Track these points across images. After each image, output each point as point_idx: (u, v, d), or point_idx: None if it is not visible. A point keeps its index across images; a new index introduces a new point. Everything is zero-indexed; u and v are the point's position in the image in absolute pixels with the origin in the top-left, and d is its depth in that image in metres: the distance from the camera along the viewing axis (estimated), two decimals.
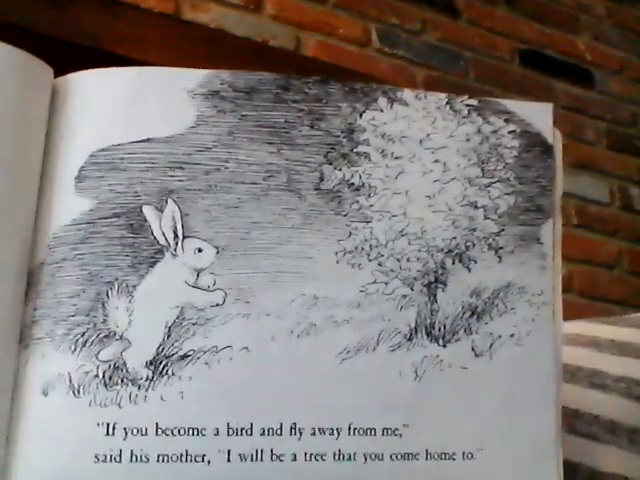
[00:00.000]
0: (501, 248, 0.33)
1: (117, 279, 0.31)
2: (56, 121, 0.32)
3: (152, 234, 0.31)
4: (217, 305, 0.31)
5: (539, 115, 0.35)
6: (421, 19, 1.62)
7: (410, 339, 0.32)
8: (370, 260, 0.32)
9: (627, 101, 1.81)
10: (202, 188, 0.32)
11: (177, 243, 0.31)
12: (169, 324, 0.31)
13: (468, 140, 0.34)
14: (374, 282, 0.32)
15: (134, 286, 0.31)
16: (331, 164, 0.33)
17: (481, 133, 0.34)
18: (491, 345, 0.32)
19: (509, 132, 0.34)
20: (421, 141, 0.34)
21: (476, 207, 0.33)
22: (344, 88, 0.33)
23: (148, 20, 1.26)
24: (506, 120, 0.35)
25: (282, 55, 1.39)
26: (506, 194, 0.34)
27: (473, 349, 0.32)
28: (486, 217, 0.33)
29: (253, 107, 0.33)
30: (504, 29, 1.72)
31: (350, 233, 0.32)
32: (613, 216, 1.71)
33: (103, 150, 0.32)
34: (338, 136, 0.33)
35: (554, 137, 0.35)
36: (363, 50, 1.54)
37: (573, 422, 0.41)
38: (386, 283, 0.32)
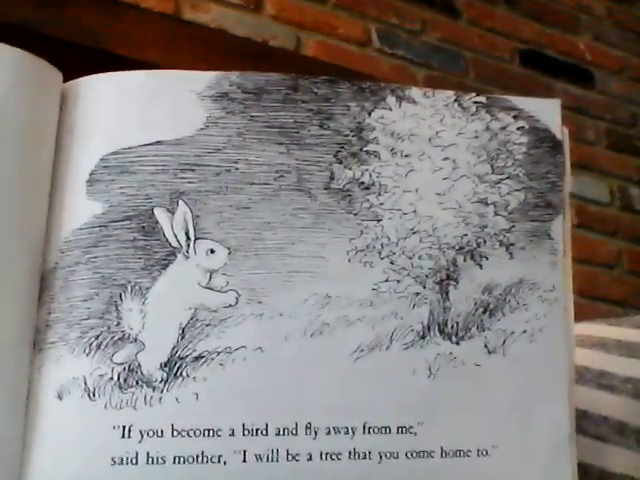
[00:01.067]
0: (512, 244, 0.33)
1: (130, 282, 0.31)
2: (66, 125, 0.32)
3: (164, 236, 0.31)
4: (230, 306, 0.31)
5: (547, 111, 0.35)
6: (421, 19, 1.62)
7: (423, 337, 0.32)
8: (382, 258, 0.32)
9: (627, 101, 1.81)
10: (213, 189, 0.32)
11: (189, 245, 0.31)
12: (183, 325, 0.31)
13: (477, 137, 0.34)
14: (386, 280, 0.32)
15: (147, 288, 0.31)
16: (341, 163, 0.33)
17: (490, 130, 0.34)
18: (504, 342, 0.32)
19: (517, 128, 0.34)
20: (430, 139, 0.34)
21: (486, 204, 0.33)
22: (352, 87, 0.33)
23: (148, 20, 1.26)
24: (514, 117, 0.35)
25: (282, 55, 1.39)
26: (516, 190, 0.34)
27: (486, 346, 0.32)
28: (496, 214, 0.33)
29: (262, 108, 0.33)
30: (504, 29, 1.72)
31: (361, 232, 0.32)
32: (613, 216, 1.71)
33: (114, 153, 0.32)
34: (347, 135, 0.33)
35: (562, 133, 0.35)
36: (363, 50, 1.54)
37: (582, 423, 0.41)
38: (398, 281, 0.32)
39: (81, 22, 1.19)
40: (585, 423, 0.41)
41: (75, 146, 0.32)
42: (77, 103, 0.33)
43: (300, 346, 0.31)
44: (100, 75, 0.33)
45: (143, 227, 0.31)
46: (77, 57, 1.21)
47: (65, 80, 0.34)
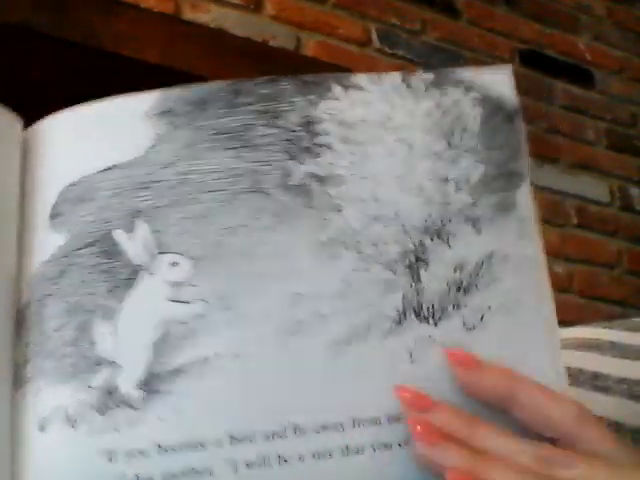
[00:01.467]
0: (478, 219, 0.32)
1: (98, 306, 0.31)
2: (29, 168, 0.33)
3: (126, 257, 0.31)
4: (200, 316, 0.31)
5: (499, 80, 0.34)
6: (421, 19, 1.62)
7: (400, 323, 0.31)
8: (347, 249, 0.32)
9: (627, 101, 1.81)
10: (169, 203, 0.32)
11: (152, 261, 0.31)
12: (155, 342, 0.30)
13: (429, 115, 0.33)
14: (355, 270, 0.31)
15: (116, 310, 0.31)
16: (294, 159, 0.32)
17: (442, 106, 0.33)
18: (482, 318, 0.32)
19: (470, 101, 0.33)
20: (382, 123, 0.33)
21: (447, 181, 0.33)
22: (296, 82, 0.33)
23: (148, 20, 1.26)
24: (466, 88, 0.34)
25: (282, 55, 1.39)
26: (476, 163, 0.33)
27: (464, 324, 0.31)
28: (458, 189, 0.33)
29: (207, 117, 0.33)
30: (504, 29, 1.72)
31: (323, 225, 0.32)
32: (613, 216, 1.71)
33: (72, 185, 0.32)
34: (296, 131, 0.32)
35: (517, 100, 0.34)
36: (363, 50, 1.54)
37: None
38: (367, 270, 0.31)
39: (81, 22, 1.19)
40: None
41: (38, 186, 0.33)
42: (37, 146, 0.33)
43: (276, 347, 0.30)
44: (55, 116, 0.34)
45: (105, 251, 0.31)
46: (77, 57, 1.21)
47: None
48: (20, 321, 0.31)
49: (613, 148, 1.75)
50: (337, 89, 0.33)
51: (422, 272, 0.32)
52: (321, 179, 0.32)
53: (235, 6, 1.44)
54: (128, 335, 0.30)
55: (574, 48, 1.79)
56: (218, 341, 0.30)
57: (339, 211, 0.32)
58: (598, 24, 1.84)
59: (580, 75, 1.77)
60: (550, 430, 0.30)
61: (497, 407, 0.30)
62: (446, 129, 0.33)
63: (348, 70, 1.37)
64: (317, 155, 0.32)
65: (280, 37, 1.46)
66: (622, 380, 0.42)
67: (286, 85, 0.33)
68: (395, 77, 0.34)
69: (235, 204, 0.32)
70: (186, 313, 0.31)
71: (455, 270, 0.32)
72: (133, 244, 0.31)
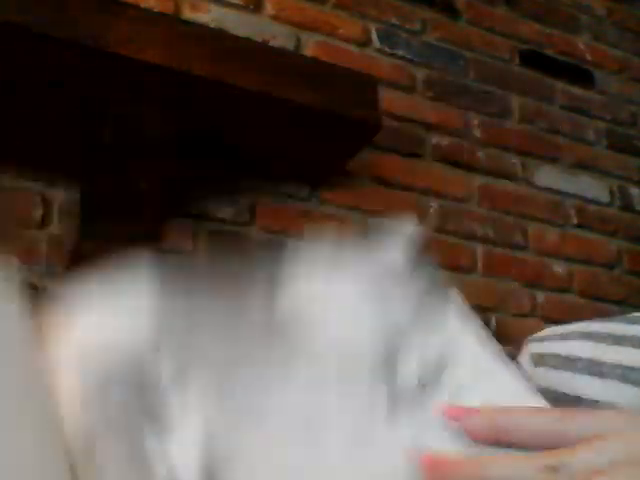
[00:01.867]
0: (415, 344, 0.39)
1: (145, 436, 0.35)
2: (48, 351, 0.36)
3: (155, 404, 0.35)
4: (230, 439, 0.35)
5: (397, 244, 0.40)
6: (421, 19, 1.63)
7: (394, 406, 0.37)
8: (335, 373, 0.38)
9: (627, 101, 1.81)
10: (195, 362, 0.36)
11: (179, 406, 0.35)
12: (200, 465, 0.34)
13: (360, 275, 0.40)
14: (346, 384, 0.37)
15: (164, 436, 0.35)
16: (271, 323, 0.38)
17: (370, 269, 0.40)
18: (454, 394, 0.37)
19: (385, 264, 0.40)
20: (329, 288, 0.39)
21: (392, 321, 0.39)
22: (263, 275, 0.38)
23: (148, 20, 1.26)
24: (380, 256, 0.40)
25: (282, 55, 1.39)
26: (402, 304, 0.40)
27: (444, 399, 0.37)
28: (399, 319, 0.39)
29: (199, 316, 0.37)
30: (504, 29, 1.72)
31: (309, 362, 0.37)
32: (613, 216, 1.71)
33: (91, 372, 0.36)
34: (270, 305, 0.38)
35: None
36: (363, 50, 1.55)
37: (576, 408, 0.42)
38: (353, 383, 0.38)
39: (81, 22, 1.19)
40: (579, 408, 0.42)
41: (59, 368, 0.36)
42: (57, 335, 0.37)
43: (305, 446, 0.36)
44: (65, 308, 0.37)
45: (143, 409, 0.35)
46: (77, 57, 1.21)
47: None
48: (73, 464, 0.35)
49: (613, 148, 1.76)
50: (290, 268, 0.39)
51: (397, 374, 0.38)
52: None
53: (235, 6, 1.44)
54: (180, 457, 0.35)
55: (574, 48, 1.79)
56: (252, 457, 0.35)
57: (317, 351, 0.38)
58: (598, 24, 1.85)
59: (580, 75, 1.78)
60: (543, 441, 0.33)
61: (498, 443, 0.34)
62: (377, 284, 0.40)
63: (347, 70, 1.37)
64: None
65: (280, 37, 1.47)
66: (616, 366, 0.43)
67: (257, 276, 0.38)
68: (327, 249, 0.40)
69: (238, 354, 0.37)
70: (220, 441, 0.35)
71: (419, 369, 0.38)
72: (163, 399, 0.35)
